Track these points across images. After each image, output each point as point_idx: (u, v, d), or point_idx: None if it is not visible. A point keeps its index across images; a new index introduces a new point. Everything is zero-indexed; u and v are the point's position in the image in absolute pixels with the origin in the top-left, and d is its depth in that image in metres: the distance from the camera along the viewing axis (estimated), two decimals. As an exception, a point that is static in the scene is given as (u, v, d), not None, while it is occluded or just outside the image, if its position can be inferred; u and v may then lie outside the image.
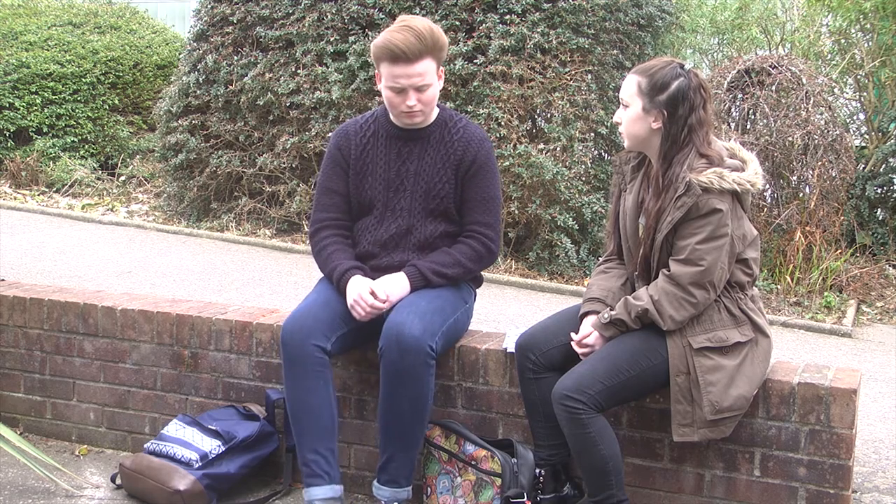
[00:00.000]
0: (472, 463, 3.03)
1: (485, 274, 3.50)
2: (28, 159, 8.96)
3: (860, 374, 2.95)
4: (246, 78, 7.31)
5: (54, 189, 8.82)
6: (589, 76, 6.83)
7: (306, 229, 5.68)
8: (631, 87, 2.81)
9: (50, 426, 3.75)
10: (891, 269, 7.01)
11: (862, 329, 5.97)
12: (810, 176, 6.73)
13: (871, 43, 7.79)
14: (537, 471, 2.97)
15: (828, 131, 6.76)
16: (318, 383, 2.97)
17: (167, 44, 10.28)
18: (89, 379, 3.65)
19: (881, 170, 7.38)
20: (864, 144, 7.85)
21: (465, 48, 6.67)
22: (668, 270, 2.75)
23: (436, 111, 3.16)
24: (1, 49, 9.57)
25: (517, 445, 3.01)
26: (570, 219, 6.45)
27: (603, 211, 6.42)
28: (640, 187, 2.91)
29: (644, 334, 2.78)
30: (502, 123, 6.52)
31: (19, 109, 9.21)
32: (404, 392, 2.92)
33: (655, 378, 2.77)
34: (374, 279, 3.07)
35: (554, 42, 6.68)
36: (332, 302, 3.07)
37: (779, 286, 6.34)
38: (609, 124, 6.62)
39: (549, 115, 6.79)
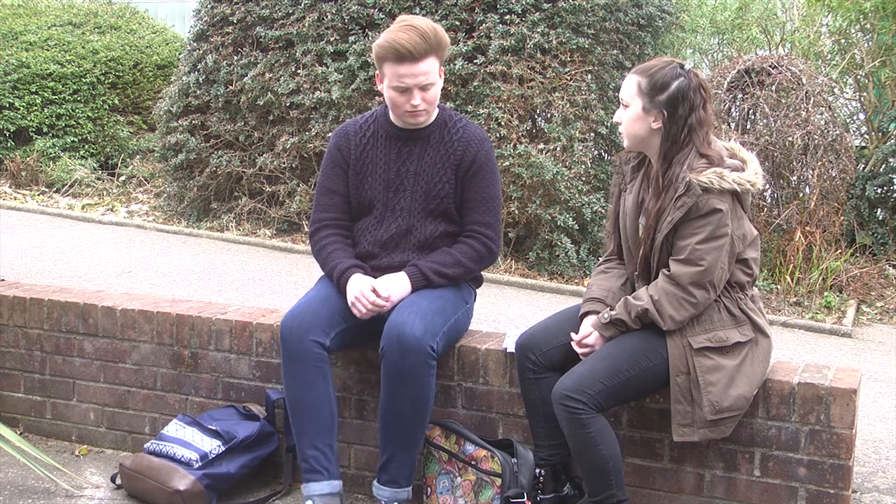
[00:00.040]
0: (472, 463, 3.03)
1: (485, 274, 3.50)
2: (28, 159, 8.96)
3: (860, 374, 2.95)
4: (246, 78, 7.31)
5: (54, 189, 8.82)
6: (589, 76, 6.83)
7: (306, 229, 5.67)
8: (631, 87, 2.81)
9: (50, 426, 3.74)
10: (891, 269, 7.01)
11: (862, 329, 5.97)
12: (810, 176, 6.73)
13: (871, 43, 7.79)
14: (537, 471, 2.97)
15: (828, 131, 6.76)
16: (317, 379, 2.97)
17: (167, 44, 10.28)
18: (89, 379, 3.65)
19: (881, 170, 7.38)
20: (864, 144, 7.84)
21: (465, 48, 6.67)
22: (668, 270, 2.76)
23: (435, 111, 3.16)
24: (1, 49, 9.57)
25: (517, 445, 3.01)
26: (570, 219, 6.44)
27: (603, 211, 6.42)
28: (640, 187, 2.91)
29: (644, 334, 2.78)
30: (502, 123, 6.52)
31: (19, 109, 9.21)
32: (405, 392, 2.92)
33: (655, 378, 2.77)
34: (374, 279, 3.07)
35: (554, 42, 6.67)
36: (332, 298, 3.08)
37: (779, 286, 6.34)
38: (609, 124, 6.62)
39: (549, 115, 6.79)
